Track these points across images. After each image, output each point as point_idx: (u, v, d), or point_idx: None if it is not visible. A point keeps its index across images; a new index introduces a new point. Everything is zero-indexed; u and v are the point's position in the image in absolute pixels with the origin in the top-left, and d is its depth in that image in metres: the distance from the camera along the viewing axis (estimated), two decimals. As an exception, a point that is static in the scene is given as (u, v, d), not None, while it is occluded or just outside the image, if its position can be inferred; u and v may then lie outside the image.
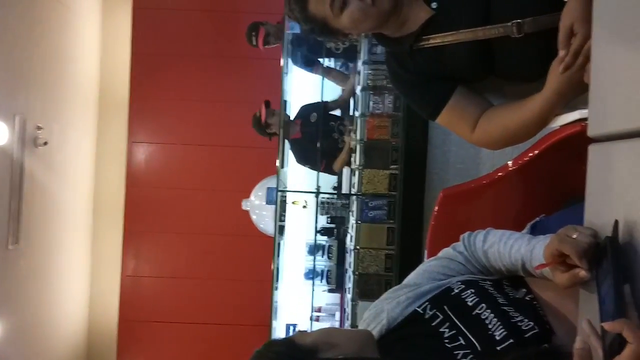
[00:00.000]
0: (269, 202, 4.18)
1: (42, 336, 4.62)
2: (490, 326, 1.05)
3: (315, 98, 4.02)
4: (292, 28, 3.95)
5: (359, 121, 3.54)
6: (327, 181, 4.02)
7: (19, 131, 3.93)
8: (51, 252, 4.64)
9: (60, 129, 4.64)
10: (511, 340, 1.03)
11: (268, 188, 4.21)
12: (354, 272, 3.48)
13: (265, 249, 4.29)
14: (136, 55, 5.39)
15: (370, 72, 3.47)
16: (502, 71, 1.39)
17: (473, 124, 1.41)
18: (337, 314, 4.00)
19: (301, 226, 4.01)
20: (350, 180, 3.78)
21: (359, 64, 3.63)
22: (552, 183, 1.55)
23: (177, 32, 5.42)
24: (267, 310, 3.91)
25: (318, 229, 3.84)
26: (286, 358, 1.00)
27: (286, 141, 4.00)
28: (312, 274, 3.84)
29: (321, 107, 3.87)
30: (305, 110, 3.99)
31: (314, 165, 3.95)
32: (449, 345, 1.06)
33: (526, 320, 1.06)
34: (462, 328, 1.07)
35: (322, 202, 3.78)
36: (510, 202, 1.70)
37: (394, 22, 1.40)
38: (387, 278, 3.44)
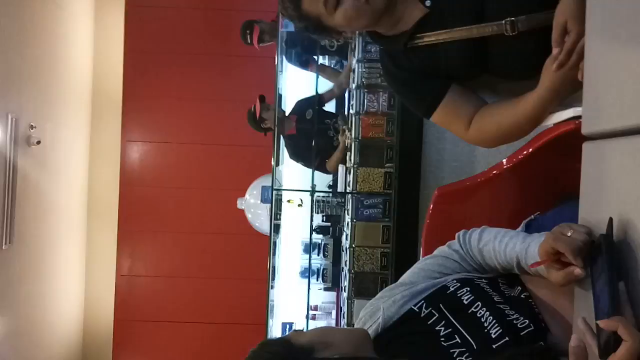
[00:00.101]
0: (264, 200, 4.17)
1: (37, 337, 4.61)
2: (485, 324, 1.05)
3: (310, 94, 4.01)
4: (287, 26, 3.95)
5: (353, 119, 3.53)
6: (323, 180, 4.01)
7: (11, 130, 3.92)
8: (45, 252, 4.62)
9: (53, 128, 4.63)
10: (507, 338, 1.03)
11: (263, 186, 4.20)
12: (349, 271, 3.47)
13: (260, 248, 4.28)
14: (129, 53, 5.37)
15: (364, 70, 3.47)
16: (496, 69, 1.39)
17: (468, 122, 1.41)
18: (333, 312, 3.99)
19: (296, 225, 4.00)
20: (345, 179, 3.77)
21: (354, 62, 3.62)
22: (546, 181, 1.56)
23: (170, 31, 5.41)
24: (262, 309, 3.91)
25: (313, 227, 3.83)
26: (281, 358, 1.00)
27: (281, 137, 3.99)
28: (307, 273, 3.83)
29: (316, 101, 3.86)
30: (301, 106, 3.98)
31: (307, 163, 3.95)
32: (445, 344, 1.06)
33: (522, 318, 1.06)
34: (458, 326, 1.07)
35: (318, 201, 3.78)
36: (505, 200, 1.71)
37: (387, 20, 1.40)
38: (383, 276, 3.44)
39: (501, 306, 1.08)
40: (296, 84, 4.25)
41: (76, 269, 5.34)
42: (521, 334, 1.04)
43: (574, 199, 1.07)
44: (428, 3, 1.37)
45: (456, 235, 1.25)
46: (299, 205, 3.99)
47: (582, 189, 1.05)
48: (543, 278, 1.06)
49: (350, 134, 3.56)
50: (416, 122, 3.42)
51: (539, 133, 1.43)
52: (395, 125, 3.46)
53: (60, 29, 4.82)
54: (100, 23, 5.47)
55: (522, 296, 1.12)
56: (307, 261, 3.83)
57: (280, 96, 3.99)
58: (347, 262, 3.52)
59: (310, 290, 3.78)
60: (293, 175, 4.16)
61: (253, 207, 4.43)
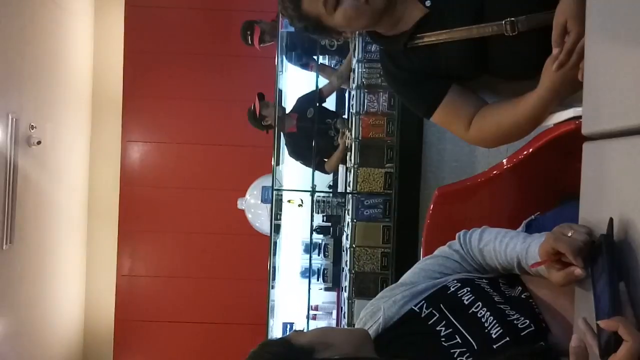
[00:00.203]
0: (264, 200, 4.17)
1: (37, 337, 4.61)
2: (486, 324, 1.05)
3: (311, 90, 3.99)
4: (287, 26, 3.95)
5: (354, 119, 3.53)
6: (323, 180, 4.01)
7: (12, 130, 3.92)
8: (46, 252, 4.63)
9: (53, 128, 4.63)
10: (507, 339, 1.03)
11: (263, 187, 4.20)
12: (350, 271, 3.48)
13: (261, 248, 4.29)
14: (129, 53, 5.37)
15: (364, 70, 3.47)
16: (496, 69, 1.39)
17: (468, 122, 1.41)
18: (334, 312, 3.99)
19: (297, 225, 4.00)
20: (345, 179, 3.77)
21: (354, 62, 3.62)
22: (547, 181, 1.56)
23: (170, 31, 5.41)
24: (263, 309, 3.91)
25: (314, 227, 3.84)
26: (282, 358, 1.00)
27: (282, 135, 3.99)
28: (308, 273, 3.83)
29: (317, 97, 3.85)
30: (302, 103, 3.98)
31: (306, 161, 3.95)
32: (445, 344, 1.06)
33: (522, 318, 1.06)
34: (459, 326, 1.07)
35: (318, 201, 3.78)
36: (505, 200, 1.71)
37: (387, 20, 1.40)
38: (384, 276, 3.44)
39: (502, 306, 1.08)
40: (296, 83, 4.25)
41: (77, 269, 5.34)
42: (522, 334, 1.04)
43: (575, 199, 1.07)
44: (428, 3, 1.37)
45: (456, 235, 1.25)
46: (300, 205, 3.99)
47: (582, 189, 1.05)
48: (544, 278, 1.06)
49: (351, 134, 3.56)
50: (416, 122, 3.42)
51: (539, 133, 1.43)
52: (395, 126, 3.46)
53: (60, 28, 4.82)
54: (100, 23, 5.47)
55: (522, 296, 1.12)
56: (308, 261, 3.83)
57: (280, 92, 3.98)
58: (348, 262, 3.52)
59: (310, 290, 3.79)
60: (293, 175, 4.16)
61: (253, 207, 4.43)
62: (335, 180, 4.12)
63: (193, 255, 5.45)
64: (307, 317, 3.81)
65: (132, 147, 5.51)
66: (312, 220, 3.76)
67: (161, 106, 5.44)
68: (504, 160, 1.59)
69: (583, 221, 1.03)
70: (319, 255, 3.93)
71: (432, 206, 1.75)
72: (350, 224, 3.51)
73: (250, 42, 4.19)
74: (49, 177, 4.61)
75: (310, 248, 3.83)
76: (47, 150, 4.47)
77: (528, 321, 1.05)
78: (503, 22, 1.30)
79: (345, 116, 3.96)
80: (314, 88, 3.89)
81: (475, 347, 1.04)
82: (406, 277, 1.23)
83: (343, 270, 3.70)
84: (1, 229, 3.83)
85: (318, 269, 3.92)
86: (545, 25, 1.25)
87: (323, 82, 4.03)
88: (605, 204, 0.97)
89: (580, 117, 1.07)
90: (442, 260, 1.22)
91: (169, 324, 5.47)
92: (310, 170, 3.79)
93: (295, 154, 4.02)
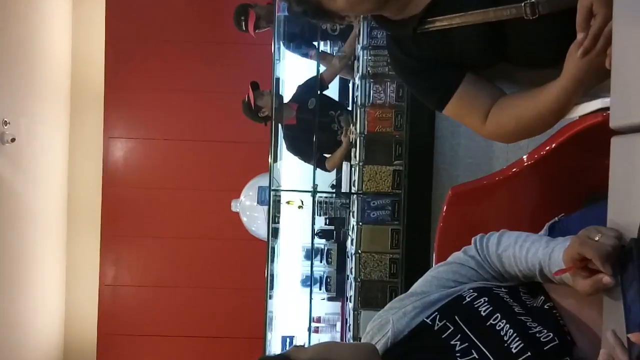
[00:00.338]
0: (260, 202, 4.17)
1: (12, 354, 4.62)
2: (505, 338, 1.05)
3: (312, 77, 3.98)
4: (284, 9, 3.95)
5: (358, 112, 3.53)
6: (325, 179, 4.01)
7: (-17, 127, 3.93)
8: (21, 260, 4.63)
9: (29, 124, 4.63)
10: (529, 353, 1.03)
11: (260, 187, 4.20)
12: (355, 279, 3.48)
13: (257, 254, 4.29)
14: (111, 41, 5.38)
15: (370, 58, 3.46)
16: (515, 56, 1.39)
17: (484, 115, 1.41)
18: (338, 325, 4.00)
19: (297, 228, 4.01)
20: (350, 178, 3.77)
21: (358, 48, 3.62)
22: (571, 179, 1.56)
23: (157, 16, 5.41)
24: (260, 322, 3.91)
25: (316, 231, 3.84)
26: (281, 376, 1.00)
27: (279, 129, 3.99)
28: (309, 281, 3.84)
29: (318, 83, 3.84)
30: (302, 92, 3.96)
31: (305, 157, 3.95)
32: (460, 360, 1.06)
33: (545, 330, 1.06)
34: (475, 340, 1.07)
35: (320, 202, 3.78)
36: (526, 200, 1.71)
37: (395, 4, 1.40)
38: (392, 285, 3.45)
39: (522, 318, 1.09)
40: (296, 72, 4.25)
41: (55, 279, 5.35)
42: (545, 348, 1.04)
43: (602, 199, 1.07)
44: (439, -17, 1.37)
45: (472, 239, 1.25)
46: (300, 207, 3.99)
47: (610, 188, 1.04)
48: (568, 287, 1.06)
49: (355, 129, 3.56)
50: (427, 115, 3.42)
51: (563, 127, 1.44)
52: (404, 119, 3.46)
53: (35, 13, 4.83)
54: (79, 7, 5.47)
55: (545, 307, 1.12)
56: (309, 268, 3.84)
57: (278, 80, 3.98)
58: (353, 270, 3.52)
59: (312, 301, 3.79)
60: (293, 174, 4.16)
61: (249, 210, 4.43)
62: (338, 179, 4.12)
63: (183, 263, 5.46)
64: (309, 330, 3.82)
65: (115, 143, 5.52)
66: (313, 223, 3.76)
67: (147, 99, 5.45)
68: (524, 157, 1.59)
69: (611, 223, 1.03)
70: (321, 261, 3.93)
71: (445, 207, 1.75)
72: (355, 227, 3.51)
73: (244, 28, 4.19)
74: (23, 178, 4.62)
75: (311, 254, 3.83)
76: (22, 148, 4.47)
77: (551, 334, 1.05)
78: (522, 4, 1.30)
79: (350, 108, 3.96)
80: (314, 74, 3.89)
81: (494, 363, 1.04)
82: (417, 286, 1.23)
83: (348, 279, 3.71)
84: (-28, 235, 3.83)
85: (320, 277, 3.92)
86: (568, 7, 1.24)
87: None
88: (636, 205, 0.97)
89: (607, 108, 1.07)
90: (456, 268, 1.22)
91: (157, 338, 5.47)
92: (311, 168, 3.79)
93: (294, 148, 4.01)
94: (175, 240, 5.45)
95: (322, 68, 3.97)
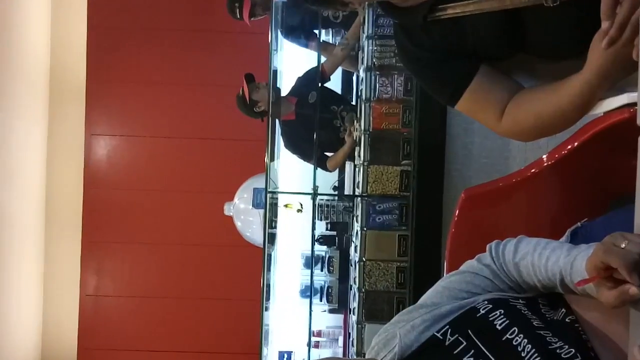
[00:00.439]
0: (256, 205, 4.18)
1: (-15, 369, 4.62)
2: (523, 354, 1.06)
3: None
4: (282, -5, 3.96)
5: (363, 108, 3.54)
6: (327, 180, 4.02)
7: (-46, 123, 3.93)
8: (-5, 269, 4.64)
9: (3, 119, 4.64)
10: (548, 371, 1.03)
11: (255, 188, 4.21)
12: (359, 289, 3.48)
13: (252, 262, 4.29)
14: (94, 28, 5.38)
15: (375, 48, 3.47)
16: (533, 47, 1.39)
17: (500, 111, 1.41)
18: (340, 339, 4.01)
19: (295, 234, 4.02)
20: (354, 179, 3.78)
21: (363, 38, 3.63)
22: (595, 181, 1.56)
23: (144, 1, 5.42)
24: (255, 336, 3.92)
25: (316, 237, 3.85)
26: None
27: (277, 124, 3.99)
28: (309, 292, 3.84)
29: (318, 76, 3.84)
30: (302, 85, 3.97)
31: (304, 155, 3.95)
32: (473, 378, 1.06)
33: (566, 346, 1.06)
34: (490, 356, 1.08)
35: (321, 205, 3.79)
36: (545, 204, 1.71)
37: (403, -11, 1.41)
38: (400, 296, 3.45)
39: (542, 332, 1.09)
40: (295, 63, 4.25)
41: (32, 288, 5.35)
42: (566, 365, 1.04)
43: (629, 203, 1.07)
44: (452, -33, 1.38)
45: (487, 246, 1.25)
46: (299, 210, 4.00)
47: (638, 190, 1.04)
48: (592, 298, 1.06)
49: (360, 126, 3.57)
50: (438, 111, 3.43)
51: (586, 124, 1.44)
52: (413, 115, 3.47)
53: (11, 0, 4.83)
54: (59, -7, 5.48)
55: (566, 320, 1.12)
56: (309, 278, 3.85)
57: (275, 72, 3.98)
58: (357, 279, 3.52)
59: (312, 313, 3.80)
60: (291, 174, 4.17)
61: (243, 214, 4.44)
62: (341, 181, 4.12)
63: (171, 272, 5.46)
64: (309, 345, 3.82)
65: (98, 141, 5.53)
66: (313, 228, 3.77)
67: (133, 92, 5.45)
68: (544, 156, 1.59)
69: (639, 229, 1.03)
70: (322, 270, 3.94)
71: (457, 211, 1.76)
72: (359, 233, 3.52)
73: (238, 15, 4.19)
74: (-2, 178, 4.63)
75: (311, 262, 3.84)
76: (-3, 145, 4.48)
77: (573, 350, 1.05)
78: (542, -11, 1.30)
79: (354, 103, 3.97)
80: (315, 65, 3.89)
81: (510, 381, 1.04)
82: (427, 297, 1.23)
83: (351, 289, 3.71)
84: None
85: (321, 287, 3.92)
86: (592, -7, 1.25)
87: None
88: (666, 209, 0.97)
89: (635, 104, 1.07)
90: (469, 277, 1.23)
91: (143, 353, 5.47)
92: (311, 168, 3.80)
93: (293, 146, 4.02)
94: (163, 247, 5.46)
95: (324, 59, 3.98)
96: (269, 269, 3.93)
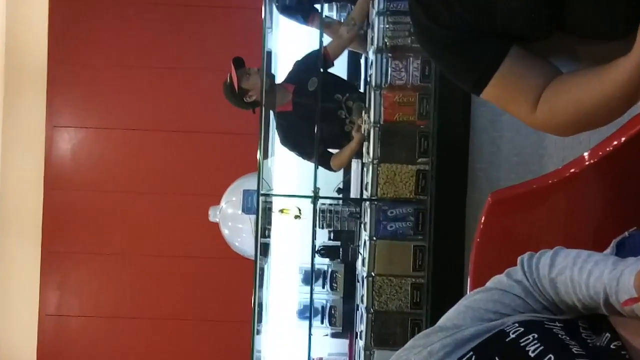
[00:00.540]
0: (246, 210, 4.18)
1: None
2: (560, 386, 1.06)
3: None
4: (278, -36, 3.97)
5: (373, 96, 3.54)
6: (330, 181, 4.02)
7: None
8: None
9: (-49, 109, 4.65)
10: (589, 405, 1.03)
11: (245, 191, 4.21)
12: (367, 310, 3.49)
13: (242, 277, 4.29)
14: (57, 4, 5.39)
15: (387, 26, 3.47)
16: (572, 25, 1.39)
17: (534, 100, 1.41)
18: (345, 368, 4.01)
19: (293, 244, 4.02)
20: (361, 180, 3.78)
21: (373, 14, 3.63)
22: (646, 183, 1.56)
23: (115, -29, 5.43)
24: (245, 363, 3.92)
25: (317, 248, 3.85)
26: None
27: (271, 117, 3.99)
28: (308, 312, 3.85)
29: (320, 59, 3.84)
30: (301, 70, 3.96)
31: (303, 153, 3.94)
32: (502, 413, 1.06)
33: (611, 377, 1.06)
34: (521, 388, 1.08)
35: (323, 211, 3.79)
36: (587, 210, 1.71)
37: (421, -43, 1.41)
38: (415, 317, 3.45)
39: (582, 360, 1.09)
40: (292, 45, 4.25)
41: (-17, 307, 5.36)
42: (610, 399, 1.04)
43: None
44: None
45: (519, 259, 1.25)
46: (297, 216, 4.00)
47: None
48: (641, 321, 1.07)
49: (369, 118, 3.57)
50: (461, 100, 3.43)
51: (635, 115, 1.43)
52: (431, 104, 3.47)
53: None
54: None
55: (611, 346, 1.12)
56: (308, 296, 3.85)
57: (269, 54, 3.97)
58: (364, 298, 3.53)
59: (312, 337, 3.80)
60: (288, 174, 4.18)
61: (231, 220, 4.44)
62: (346, 182, 4.13)
63: (147, 288, 5.47)
64: (308, 375, 3.83)
65: (61, 134, 5.53)
66: (314, 237, 3.77)
67: (102, 77, 5.46)
68: (586, 154, 1.59)
69: (697, 240, 1.03)
70: (323, 287, 3.94)
71: (483, 218, 1.76)
72: (367, 243, 3.52)
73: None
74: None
75: (311, 277, 3.84)
76: (-58, 139, 4.49)
77: (619, 381, 1.05)
78: (584, -43, 1.30)
79: (362, 90, 3.97)
80: (317, 47, 3.88)
81: (545, 418, 1.04)
82: (447, 318, 1.23)
83: (358, 309, 3.72)
84: None
85: (322, 307, 3.93)
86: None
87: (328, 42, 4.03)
88: None
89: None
90: (497, 295, 1.23)
91: (113, 383, 5.49)
92: (311, 167, 3.80)
93: (290, 141, 4.01)
94: (136, 259, 5.46)
95: (327, 39, 3.98)
96: (261, 286, 3.93)
